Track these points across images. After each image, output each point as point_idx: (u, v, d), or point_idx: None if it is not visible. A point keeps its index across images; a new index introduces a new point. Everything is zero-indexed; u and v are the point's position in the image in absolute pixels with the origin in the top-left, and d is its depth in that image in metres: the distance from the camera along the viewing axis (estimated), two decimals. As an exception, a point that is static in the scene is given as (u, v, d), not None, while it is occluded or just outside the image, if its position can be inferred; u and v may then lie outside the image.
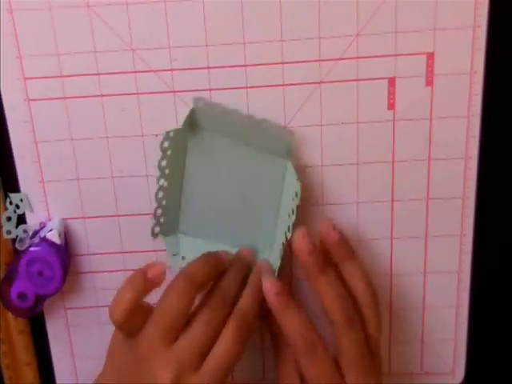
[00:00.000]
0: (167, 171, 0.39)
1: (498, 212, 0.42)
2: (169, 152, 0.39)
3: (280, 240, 0.39)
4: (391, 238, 0.42)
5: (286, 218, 0.38)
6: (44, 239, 0.39)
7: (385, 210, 0.41)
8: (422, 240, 0.42)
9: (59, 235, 0.40)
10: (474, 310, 0.43)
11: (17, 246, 0.40)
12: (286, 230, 0.37)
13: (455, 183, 0.41)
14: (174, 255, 0.42)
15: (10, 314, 0.43)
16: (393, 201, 0.41)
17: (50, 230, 0.40)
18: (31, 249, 0.39)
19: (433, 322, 0.44)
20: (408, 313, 0.44)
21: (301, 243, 0.36)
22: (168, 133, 0.38)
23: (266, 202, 0.40)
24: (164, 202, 0.40)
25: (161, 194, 0.40)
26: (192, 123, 0.39)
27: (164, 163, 0.39)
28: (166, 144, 0.38)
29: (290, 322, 0.36)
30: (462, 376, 0.45)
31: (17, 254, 0.41)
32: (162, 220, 0.41)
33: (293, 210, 0.37)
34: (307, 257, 0.36)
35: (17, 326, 0.44)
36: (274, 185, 0.40)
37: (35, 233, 0.41)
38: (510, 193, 0.42)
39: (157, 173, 0.39)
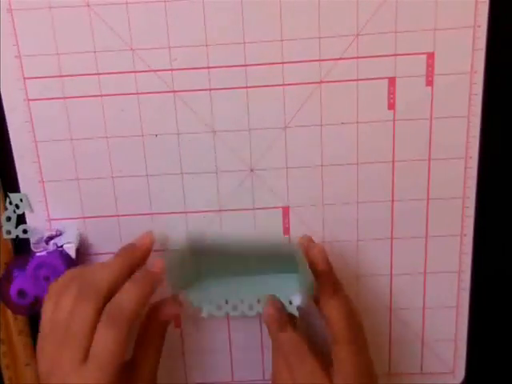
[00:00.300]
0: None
1: (497, 212, 0.42)
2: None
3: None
4: (391, 238, 0.42)
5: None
6: (60, 249, 0.40)
7: (385, 209, 0.41)
8: (422, 240, 0.42)
9: (76, 250, 0.40)
10: (474, 309, 0.43)
11: (32, 247, 0.40)
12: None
13: (455, 183, 0.41)
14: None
15: (9, 314, 0.43)
16: (393, 201, 0.41)
17: (69, 243, 0.40)
18: (45, 253, 0.39)
19: (433, 322, 0.44)
20: (408, 313, 0.44)
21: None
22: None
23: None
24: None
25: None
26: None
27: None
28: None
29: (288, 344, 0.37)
30: (462, 376, 0.45)
31: (24, 253, 0.41)
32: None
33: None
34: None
35: (17, 326, 0.44)
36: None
37: (50, 238, 0.41)
38: (510, 193, 0.42)
39: (151, 180, 0.41)
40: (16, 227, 0.42)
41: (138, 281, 0.35)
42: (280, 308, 0.37)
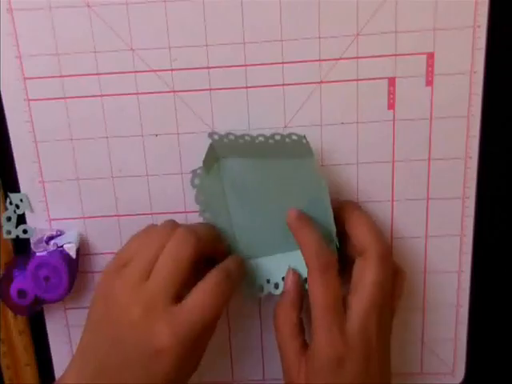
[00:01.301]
0: (208, 203, 0.40)
1: (497, 212, 0.42)
2: (202, 187, 0.40)
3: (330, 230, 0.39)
4: (391, 238, 0.42)
5: (328, 209, 0.38)
6: (60, 249, 0.40)
7: (385, 209, 0.41)
8: (422, 240, 0.42)
9: (76, 250, 0.40)
10: (474, 309, 0.43)
11: (33, 247, 0.40)
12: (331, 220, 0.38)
13: (455, 183, 0.41)
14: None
15: (10, 314, 0.43)
16: (393, 201, 0.41)
17: (69, 243, 0.40)
18: (45, 253, 0.39)
19: (433, 322, 0.44)
20: (408, 313, 0.44)
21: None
22: (196, 170, 0.39)
23: (305, 204, 0.40)
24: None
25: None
26: (214, 155, 0.39)
27: (201, 197, 0.40)
28: (197, 181, 0.40)
29: (307, 239, 0.37)
30: (462, 376, 0.45)
31: (24, 252, 0.41)
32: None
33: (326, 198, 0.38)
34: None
35: (17, 327, 0.44)
36: (306, 184, 0.39)
37: (50, 238, 0.41)
38: (510, 193, 0.42)
39: (151, 180, 0.41)
40: (16, 227, 0.42)
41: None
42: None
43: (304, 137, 0.37)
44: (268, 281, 0.41)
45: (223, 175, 0.40)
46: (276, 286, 0.40)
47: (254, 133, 0.38)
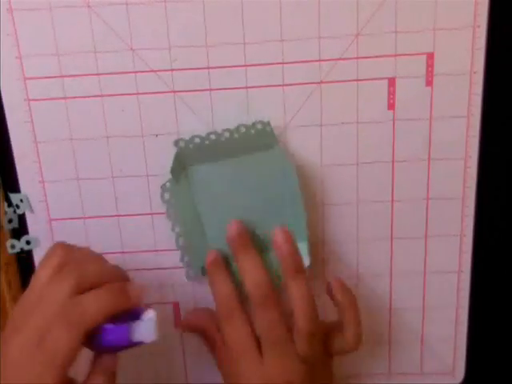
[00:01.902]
0: (179, 217, 0.40)
1: (497, 212, 0.42)
2: (173, 201, 0.40)
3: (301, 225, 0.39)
4: (391, 238, 0.42)
5: (298, 201, 0.39)
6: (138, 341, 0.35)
7: (385, 209, 0.41)
8: (421, 240, 0.42)
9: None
10: (474, 310, 0.43)
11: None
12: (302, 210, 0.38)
13: (455, 183, 0.41)
14: None
15: (9, 314, 0.43)
16: (393, 201, 0.41)
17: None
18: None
19: (433, 321, 0.44)
20: (408, 313, 0.44)
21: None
22: (164, 185, 0.40)
23: (278, 197, 0.40)
24: (188, 246, 0.41)
25: (181, 241, 0.41)
26: (181, 164, 0.39)
27: (172, 211, 0.40)
28: (166, 196, 0.40)
29: (247, 268, 0.37)
30: (462, 376, 0.45)
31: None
32: (192, 263, 0.41)
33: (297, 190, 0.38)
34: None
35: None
36: (277, 176, 0.40)
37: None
38: (510, 193, 0.42)
39: (151, 180, 0.40)
40: (18, 239, 0.42)
41: (113, 293, 0.34)
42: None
43: (268, 123, 0.37)
44: None
45: (191, 184, 0.40)
46: None
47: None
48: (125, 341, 0.34)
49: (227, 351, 0.38)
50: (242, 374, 0.38)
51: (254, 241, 0.39)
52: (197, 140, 0.39)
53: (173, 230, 0.41)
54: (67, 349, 0.32)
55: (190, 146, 0.39)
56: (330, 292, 0.39)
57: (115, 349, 0.35)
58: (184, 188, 0.40)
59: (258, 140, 0.38)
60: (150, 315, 0.35)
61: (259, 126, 0.38)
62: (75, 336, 0.32)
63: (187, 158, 0.39)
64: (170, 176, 0.40)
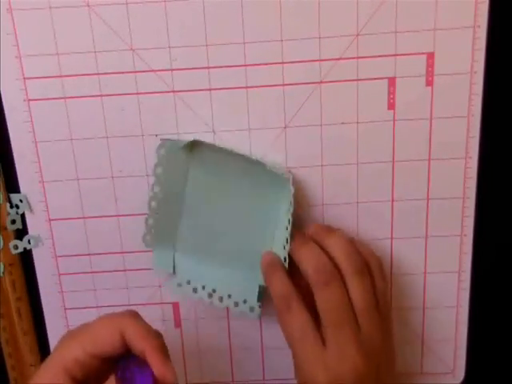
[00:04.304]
0: (163, 179, 0.39)
1: (497, 212, 0.42)
2: (164, 160, 0.39)
3: (280, 251, 0.39)
4: (391, 238, 0.42)
5: (284, 231, 0.38)
6: None
7: (385, 209, 0.41)
8: (422, 240, 0.42)
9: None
10: (474, 309, 0.43)
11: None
12: (285, 242, 0.38)
13: (455, 183, 0.41)
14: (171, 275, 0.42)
15: (14, 315, 0.44)
16: (393, 201, 0.41)
17: None
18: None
19: (433, 322, 0.44)
20: (408, 313, 0.44)
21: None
22: (165, 140, 0.39)
23: (263, 218, 0.40)
24: (157, 213, 0.40)
25: (154, 204, 0.40)
26: (193, 144, 0.39)
27: (159, 170, 0.39)
28: (162, 151, 0.39)
29: (306, 254, 0.37)
30: (462, 376, 0.45)
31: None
32: (153, 231, 0.41)
33: (289, 220, 0.38)
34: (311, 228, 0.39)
35: (21, 327, 0.44)
36: (271, 199, 0.40)
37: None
38: (510, 193, 0.42)
39: (151, 180, 0.40)
40: (21, 239, 0.42)
41: None
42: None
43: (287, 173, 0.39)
44: (229, 296, 0.41)
45: (195, 162, 0.40)
46: (236, 304, 0.41)
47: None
48: None
49: (290, 343, 0.37)
50: (306, 362, 0.36)
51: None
52: (150, 221, 0.40)
53: (152, 189, 0.40)
54: None
55: (153, 231, 0.40)
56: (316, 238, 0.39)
57: None
58: (184, 160, 0.40)
59: (177, 163, 0.39)
60: None
61: (163, 152, 0.39)
62: None
63: (163, 240, 0.41)
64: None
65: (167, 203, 0.40)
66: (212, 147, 0.39)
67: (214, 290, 0.41)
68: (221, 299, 0.41)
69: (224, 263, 0.41)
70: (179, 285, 0.41)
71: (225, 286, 0.41)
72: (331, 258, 0.37)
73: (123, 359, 0.33)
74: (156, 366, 0.32)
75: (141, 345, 0.33)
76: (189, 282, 0.41)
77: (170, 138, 0.39)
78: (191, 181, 0.40)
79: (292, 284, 0.37)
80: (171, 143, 0.39)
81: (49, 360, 0.33)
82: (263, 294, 0.41)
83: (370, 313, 0.36)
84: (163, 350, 0.33)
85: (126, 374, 0.33)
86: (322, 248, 0.38)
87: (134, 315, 0.34)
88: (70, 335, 0.34)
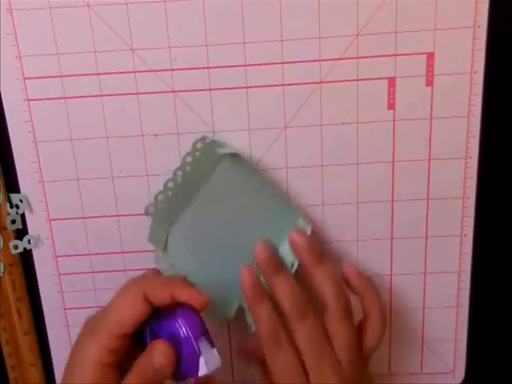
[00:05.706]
0: (188, 168, 0.39)
1: (497, 212, 0.42)
2: (198, 153, 0.39)
3: None
4: (391, 238, 0.42)
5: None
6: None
7: (385, 209, 0.41)
8: (422, 240, 0.42)
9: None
10: (474, 309, 0.43)
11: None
12: None
13: (455, 183, 0.41)
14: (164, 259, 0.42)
15: (14, 315, 0.44)
16: (393, 201, 0.41)
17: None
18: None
19: (433, 322, 0.44)
20: (408, 313, 0.44)
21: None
22: (206, 137, 0.39)
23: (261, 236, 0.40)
24: (169, 193, 0.40)
25: (170, 184, 0.40)
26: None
27: (189, 159, 0.39)
28: (199, 144, 0.39)
29: (281, 288, 0.37)
30: (462, 376, 0.45)
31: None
32: (159, 206, 0.40)
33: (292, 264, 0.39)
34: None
35: (22, 327, 0.44)
36: (277, 234, 0.40)
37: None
38: (510, 193, 0.42)
39: (151, 180, 0.41)
40: (21, 239, 0.42)
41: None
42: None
43: (204, 138, 0.39)
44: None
45: (222, 168, 0.40)
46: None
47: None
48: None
49: (276, 379, 0.38)
50: None
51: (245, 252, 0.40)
52: (160, 197, 0.40)
53: (174, 171, 0.39)
54: None
55: (159, 206, 0.40)
56: (346, 280, 0.39)
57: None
58: (211, 162, 0.40)
59: (207, 160, 0.39)
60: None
61: (199, 145, 0.39)
62: None
63: (164, 219, 0.40)
64: (170, 175, 0.39)
65: (181, 189, 0.40)
66: (243, 165, 0.39)
67: None
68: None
69: (210, 273, 0.41)
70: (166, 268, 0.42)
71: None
72: (317, 292, 0.38)
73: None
74: (187, 294, 0.34)
75: (163, 293, 0.34)
76: (173, 267, 0.42)
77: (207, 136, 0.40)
78: (211, 183, 0.40)
79: (279, 318, 0.37)
80: (212, 143, 0.39)
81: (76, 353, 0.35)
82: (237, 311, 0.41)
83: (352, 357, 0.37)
84: (186, 281, 0.35)
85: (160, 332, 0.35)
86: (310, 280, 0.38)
87: (152, 273, 0.38)
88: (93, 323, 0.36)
